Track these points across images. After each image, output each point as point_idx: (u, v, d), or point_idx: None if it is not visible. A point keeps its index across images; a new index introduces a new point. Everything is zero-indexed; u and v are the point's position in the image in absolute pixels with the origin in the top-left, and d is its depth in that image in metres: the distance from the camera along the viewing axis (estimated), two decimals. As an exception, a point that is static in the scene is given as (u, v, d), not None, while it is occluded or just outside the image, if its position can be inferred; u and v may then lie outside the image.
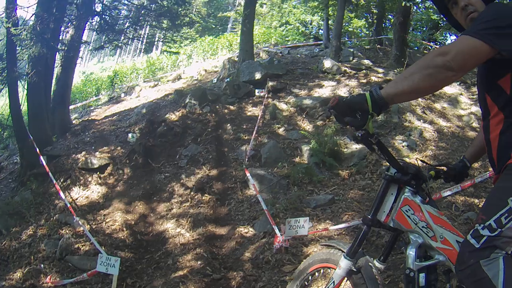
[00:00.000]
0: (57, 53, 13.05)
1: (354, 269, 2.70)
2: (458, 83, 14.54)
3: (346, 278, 2.79)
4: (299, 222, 5.93)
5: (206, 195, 8.71)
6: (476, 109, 11.63)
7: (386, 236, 5.74)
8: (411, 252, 2.48)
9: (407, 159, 2.84)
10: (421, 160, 3.26)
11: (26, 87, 11.71)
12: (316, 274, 3.19)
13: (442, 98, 13.21)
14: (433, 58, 2.07)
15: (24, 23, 11.39)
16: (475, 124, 10.91)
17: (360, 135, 2.25)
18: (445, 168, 3.09)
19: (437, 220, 2.45)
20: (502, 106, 2.25)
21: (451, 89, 13.76)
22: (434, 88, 2.15)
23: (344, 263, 2.69)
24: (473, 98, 12.90)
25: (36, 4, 11.74)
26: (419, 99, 12.62)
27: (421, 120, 11.30)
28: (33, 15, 11.69)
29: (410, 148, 9.66)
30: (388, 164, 2.65)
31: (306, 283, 3.24)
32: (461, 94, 13.45)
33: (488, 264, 2.01)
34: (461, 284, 2.22)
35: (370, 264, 2.73)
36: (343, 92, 13.30)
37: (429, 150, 9.62)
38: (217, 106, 13.08)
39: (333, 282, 2.75)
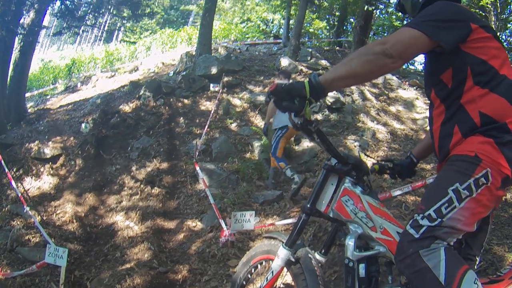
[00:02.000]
0: (16, 37, 12.70)
1: (293, 259, 2.66)
2: (415, 87, 14.80)
3: (285, 269, 2.75)
4: (245, 216, 5.91)
5: (155, 188, 8.66)
6: (431, 113, 11.81)
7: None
8: (350, 242, 2.46)
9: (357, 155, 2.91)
10: (365, 154, 3.28)
11: None
12: (259, 266, 3.14)
13: (397, 101, 13.45)
14: (372, 46, 2.11)
15: None
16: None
17: (299, 122, 2.24)
18: (390, 164, 3.10)
19: (377, 210, 2.43)
20: (443, 98, 2.31)
21: (407, 93, 14.04)
22: (372, 74, 2.18)
23: (282, 253, 2.65)
24: (428, 102, 13.08)
25: None
26: (374, 101, 12.79)
27: (375, 121, 11.45)
28: None
29: (362, 148, 9.75)
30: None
31: (249, 275, 3.20)
32: (417, 98, 13.71)
33: (428, 254, 1.99)
34: (402, 274, 2.21)
35: (309, 255, 2.70)
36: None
37: (381, 150, 9.74)
38: (171, 99, 12.98)
39: (272, 272, 2.71)
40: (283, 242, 2.71)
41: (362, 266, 2.44)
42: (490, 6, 19.65)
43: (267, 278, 2.74)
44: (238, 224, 5.91)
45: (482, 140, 2.07)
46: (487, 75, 2.15)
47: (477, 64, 2.15)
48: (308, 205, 2.60)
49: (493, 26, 19.85)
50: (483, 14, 19.80)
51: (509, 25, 23.02)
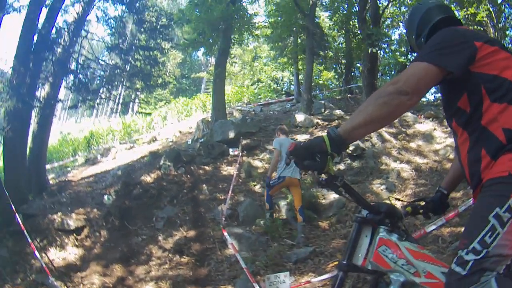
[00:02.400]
0: (33, 109, 13.00)
1: None
2: (430, 119, 14.81)
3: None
4: (279, 278, 5.80)
5: (184, 256, 8.55)
6: (451, 140, 11.72)
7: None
8: None
9: (387, 201, 2.82)
10: (395, 198, 3.19)
11: (2, 142, 11.78)
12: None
13: (416, 136, 13.46)
14: (385, 88, 2.10)
15: (1, 74, 11.42)
16: (452, 156, 10.98)
17: (323, 179, 2.16)
18: (422, 203, 3.03)
19: (417, 255, 2.33)
20: (465, 125, 2.27)
21: (425, 126, 14.06)
22: (391, 115, 2.12)
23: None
24: (447, 131, 13.10)
25: (14, 57, 11.95)
26: (393, 141, 12.80)
27: (398, 161, 11.45)
28: (10, 68, 11.94)
29: (389, 190, 9.71)
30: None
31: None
32: (434, 129, 13.73)
33: None
34: None
35: None
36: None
37: (408, 189, 9.68)
38: (192, 167, 13.05)
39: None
40: None
41: None
42: (486, 19, 20.04)
43: None
44: (273, 286, 5.79)
45: None
46: (502, 89, 2.11)
47: (490, 81, 2.13)
48: (344, 262, 2.48)
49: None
50: (481, 28, 20.13)
51: (508, 32, 23.43)
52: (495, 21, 21.39)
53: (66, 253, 9.05)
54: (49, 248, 9.13)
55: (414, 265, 2.29)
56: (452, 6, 20.84)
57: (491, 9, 20.45)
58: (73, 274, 8.30)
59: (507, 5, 22.61)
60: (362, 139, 12.59)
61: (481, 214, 1.99)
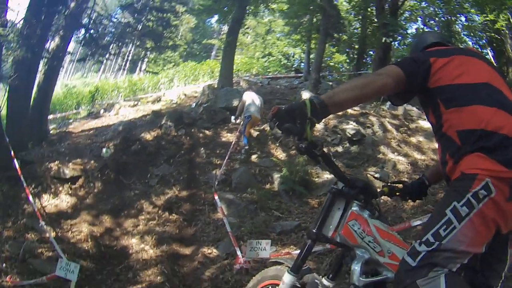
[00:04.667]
0: (41, 60, 13.03)
1: (298, 285, 2.60)
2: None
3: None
4: (260, 244, 5.90)
5: (173, 214, 8.71)
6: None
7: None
8: (356, 268, 2.37)
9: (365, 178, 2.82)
10: (373, 176, 3.30)
11: (7, 89, 11.87)
12: (266, 290, 3.08)
13: (418, 132, 13.38)
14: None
15: (12, 25, 11.39)
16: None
17: (303, 146, 2.13)
18: (401, 185, 3.11)
19: (385, 235, 2.38)
20: (435, 135, 2.46)
21: (428, 124, 13.93)
22: (369, 85, 2.27)
23: (287, 278, 2.54)
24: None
25: (26, 9, 11.95)
26: (395, 133, 12.75)
27: (395, 153, 11.43)
28: (22, 19, 11.87)
29: (382, 180, 9.68)
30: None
31: (255, 300, 3.09)
32: (437, 128, 13.63)
33: (426, 283, 1.89)
34: None
35: (316, 281, 2.62)
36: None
37: (402, 181, 9.68)
38: (193, 130, 13.09)
39: (277, 297, 2.59)
40: (289, 267, 2.60)
41: None
42: (505, 29, 19.70)
43: (273, 303, 2.69)
44: (254, 252, 5.92)
45: (470, 158, 2.06)
46: (453, 95, 2.26)
47: (444, 92, 2.30)
48: (314, 230, 2.53)
49: (509, 49, 19.91)
50: (498, 37, 19.84)
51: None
52: (514, 33, 21.12)
53: (58, 201, 9.19)
54: (43, 195, 9.25)
55: (380, 244, 2.35)
56: (473, 9, 20.60)
57: (511, 19, 20.21)
58: (63, 221, 8.44)
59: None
60: (364, 125, 12.65)
61: (439, 208, 2.08)
